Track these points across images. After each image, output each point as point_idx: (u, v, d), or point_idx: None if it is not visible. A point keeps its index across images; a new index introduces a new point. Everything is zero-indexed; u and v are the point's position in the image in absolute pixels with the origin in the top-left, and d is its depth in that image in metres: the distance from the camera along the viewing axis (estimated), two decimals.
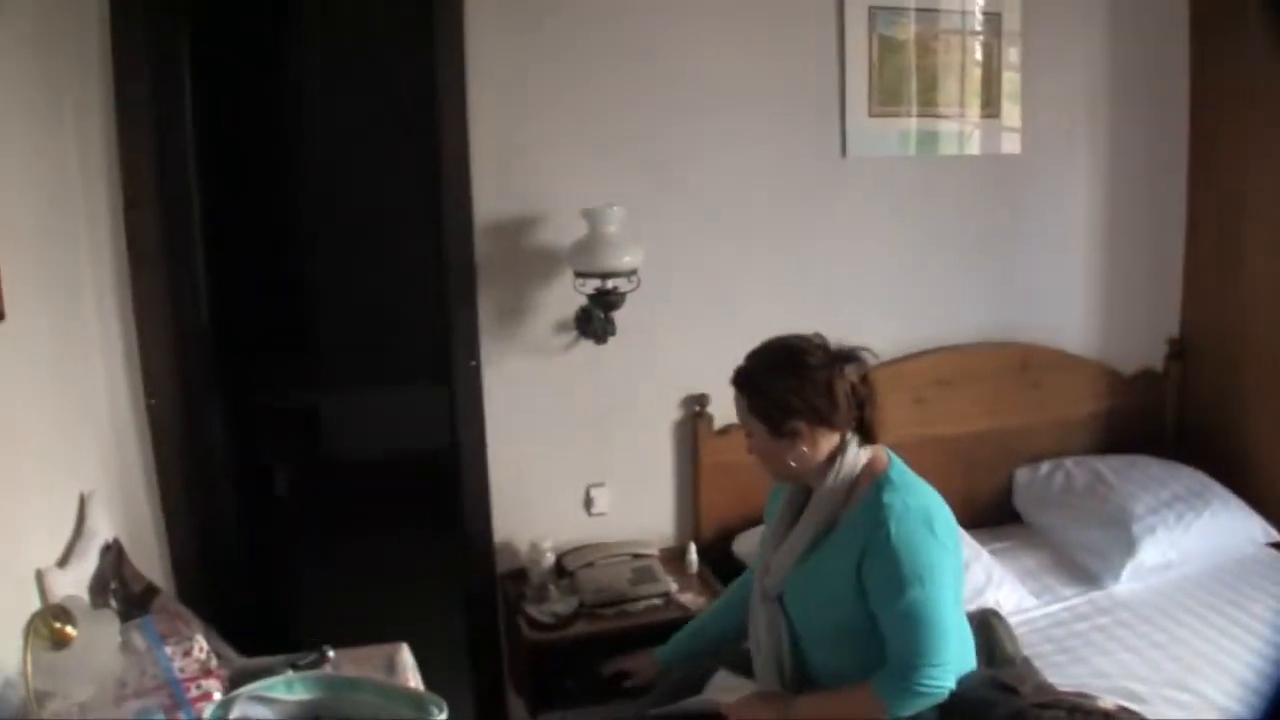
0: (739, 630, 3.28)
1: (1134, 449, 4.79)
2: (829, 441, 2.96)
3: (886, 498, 2.90)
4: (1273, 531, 4.47)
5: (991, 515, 4.54)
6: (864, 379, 3.00)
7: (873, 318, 4.17)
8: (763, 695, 3.09)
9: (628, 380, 4.07)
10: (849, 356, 2.99)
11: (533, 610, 3.76)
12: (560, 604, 3.76)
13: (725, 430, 4.08)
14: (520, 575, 4.01)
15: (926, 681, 2.85)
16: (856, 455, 2.97)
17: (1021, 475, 4.62)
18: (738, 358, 3.03)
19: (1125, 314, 4.91)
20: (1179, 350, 5.00)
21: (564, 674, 3.72)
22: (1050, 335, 4.73)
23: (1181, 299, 5.01)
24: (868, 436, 3.03)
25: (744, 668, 3.24)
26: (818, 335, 3.02)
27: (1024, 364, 4.63)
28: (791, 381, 2.92)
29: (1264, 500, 4.53)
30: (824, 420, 2.94)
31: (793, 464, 2.98)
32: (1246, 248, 4.69)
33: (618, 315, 3.84)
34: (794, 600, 3.05)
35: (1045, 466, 4.61)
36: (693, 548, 4.11)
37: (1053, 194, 4.68)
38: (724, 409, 3.88)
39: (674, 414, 4.16)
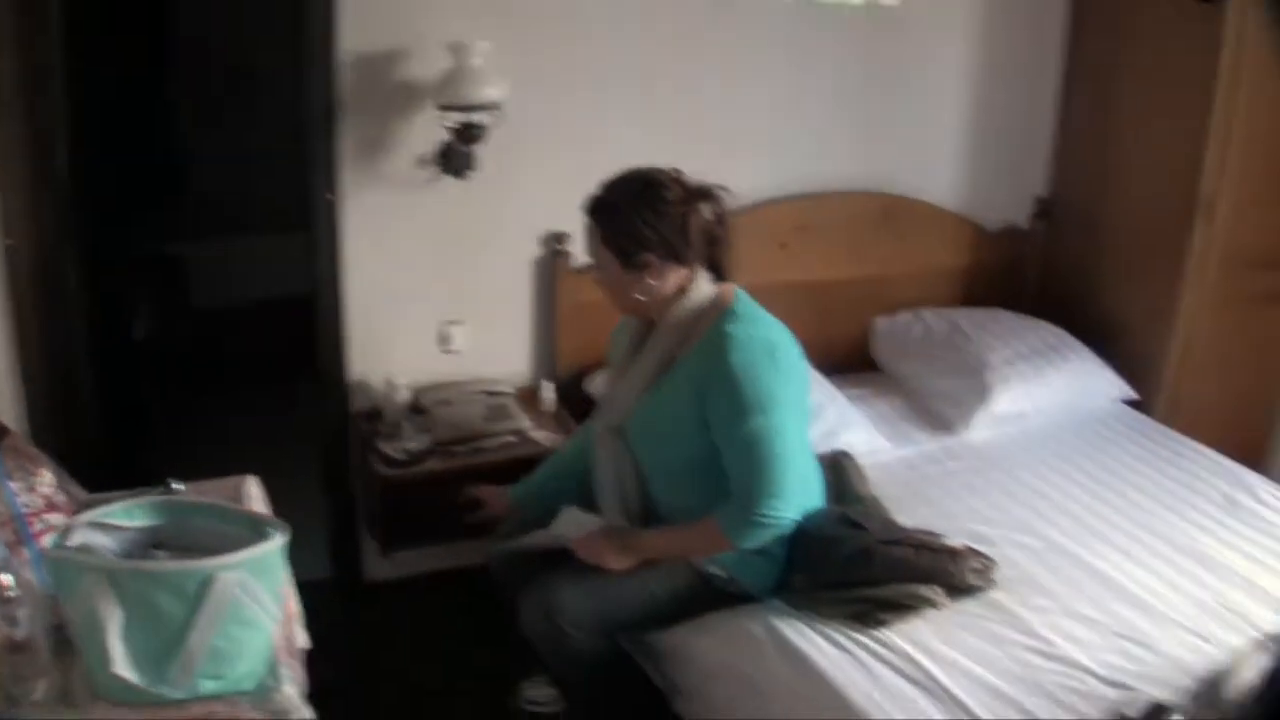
0: (591, 469, 3.28)
1: (994, 304, 4.84)
2: (677, 276, 2.96)
3: (728, 328, 2.91)
4: (1128, 389, 4.57)
5: (849, 362, 4.56)
6: (720, 218, 2.99)
7: (738, 161, 4.12)
8: (608, 531, 3.11)
9: (487, 217, 4.01)
10: (706, 193, 2.97)
11: (386, 447, 3.72)
12: (414, 441, 3.73)
13: (584, 269, 4.00)
14: (376, 414, 3.96)
15: (769, 512, 2.88)
16: (703, 291, 2.98)
17: (880, 324, 4.65)
18: None
19: (993, 170, 4.92)
20: (1045, 209, 5.04)
21: (417, 512, 3.70)
22: (917, 187, 4.73)
23: (1051, 159, 5.04)
24: (720, 275, 3.03)
25: (592, 503, 3.24)
26: (676, 170, 3.00)
27: (888, 214, 4.63)
28: (646, 214, 2.91)
29: (1121, 359, 4.62)
30: (675, 255, 2.93)
31: (640, 297, 2.98)
32: (1120, 114, 4.72)
33: (480, 151, 3.76)
34: (637, 434, 3.06)
35: (904, 316, 4.65)
36: (548, 386, 4.10)
37: (928, 47, 4.66)
38: (581, 248, 3.76)
39: (533, 251, 4.11)
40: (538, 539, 3.18)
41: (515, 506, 3.42)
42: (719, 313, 2.98)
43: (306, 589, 2.68)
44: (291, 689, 2.25)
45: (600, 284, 3.08)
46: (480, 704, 3.63)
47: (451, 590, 4.07)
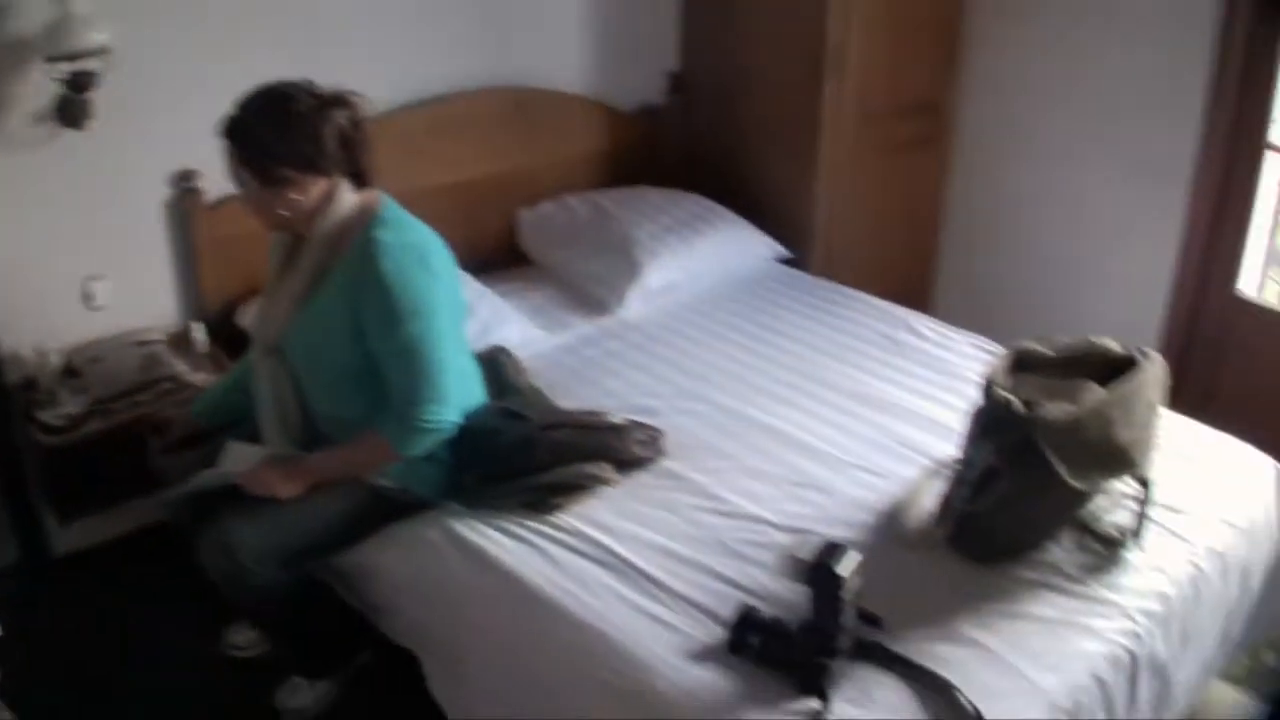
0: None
1: (639, 183, 4.76)
2: (319, 188, 2.86)
3: (377, 234, 2.84)
4: (780, 248, 4.58)
5: (498, 259, 4.41)
6: (356, 124, 2.89)
7: (361, 70, 3.83)
8: (273, 460, 3.01)
9: (113, 165, 3.69)
10: (338, 100, 2.87)
11: (44, 415, 3.47)
12: (71, 404, 3.50)
13: (219, 204, 3.79)
14: (31, 384, 3.65)
15: (430, 418, 2.85)
16: (348, 199, 2.89)
17: (525, 216, 4.51)
18: None
19: (622, 51, 4.82)
20: (679, 84, 4.98)
21: (88, 476, 3.52)
22: (547, 77, 4.58)
23: (678, 33, 4.97)
24: (362, 182, 2.94)
25: (255, 435, 3.12)
26: (306, 80, 2.88)
27: (521, 107, 4.47)
28: (278, 128, 2.79)
29: (772, 221, 4.64)
30: (312, 166, 2.83)
31: (284, 213, 2.88)
32: None
33: (97, 98, 3.47)
34: (293, 349, 2.98)
35: (547, 206, 4.52)
36: (199, 327, 3.86)
37: None
38: (215, 182, 3.63)
39: (164, 193, 3.82)
40: (204, 480, 3.02)
41: (198, 419, 3.28)
42: (366, 220, 2.89)
43: None
44: None
45: (245, 206, 2.95)
46: (189, 659, 3.48)
47: (145, 549, 3.89)
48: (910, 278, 5.18)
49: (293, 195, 2.83)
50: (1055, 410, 2.69)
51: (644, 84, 4.92)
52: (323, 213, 2.87)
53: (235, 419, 3.20)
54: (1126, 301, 4.62)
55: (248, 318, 3.82)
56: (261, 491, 2.91)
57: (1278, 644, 3.59)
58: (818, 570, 2.36)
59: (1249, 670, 3.51)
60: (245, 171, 2.83)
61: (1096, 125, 4.60)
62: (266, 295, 3.08)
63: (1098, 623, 2.65)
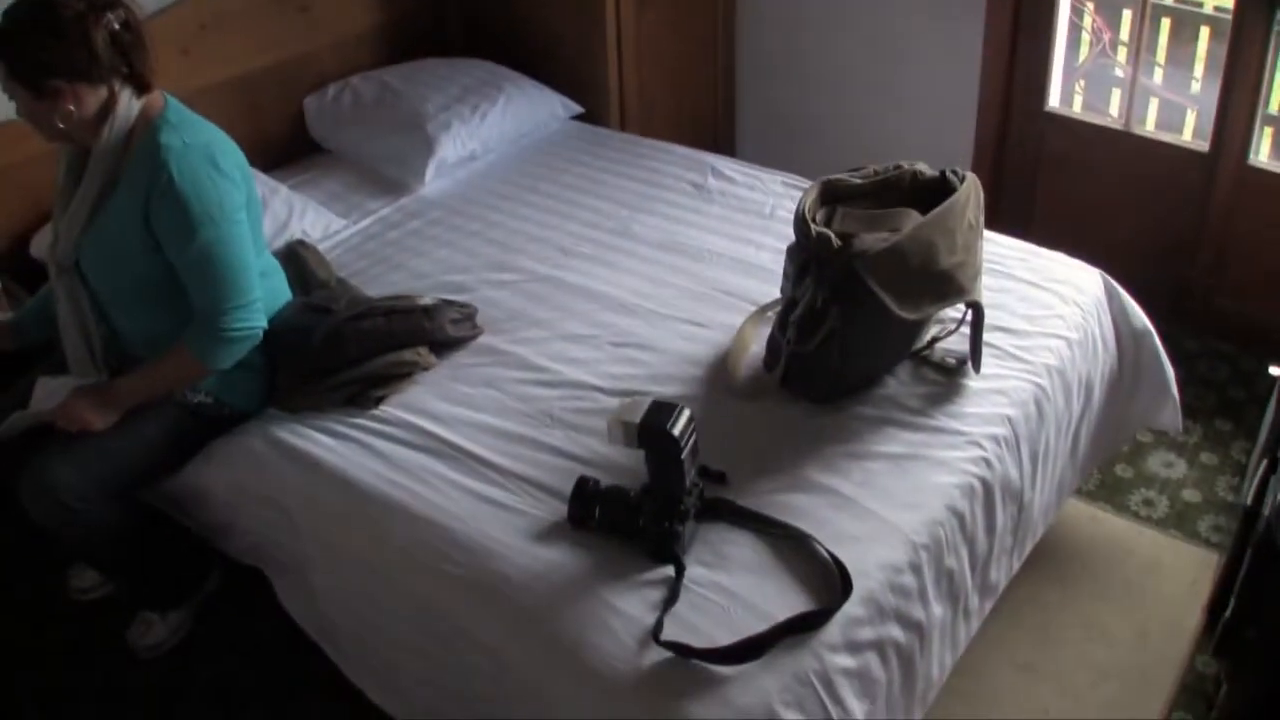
0: None
1: (423, 56, 4.60)
2: (96, 97, 2.71)
3: (164, 139, 2.72)
4: (573, 105, 4.50)
5: (289, 151, 4.25)
6: (130, 25, 2.73)
7: None
8: (82, 390, 2.89)
9: None
10: (107, 2, 2.69)
11: None
12: None
13: None
14: None
15: (236, 325, 2.77)
16: (130, 105, 2.75)
17: (310, 103, 4.33)
18: None
19: None
20: None
21: None
22: None
23: None
24: (141, 86, 2.78)
25: (63, 367, 3.00)
26: None
27: None
28: (45, 38, 2.62)
29: (562, 79, 4.54)
30: (84, 75, 2.67)
31: (61, 125, 2.72)
32: None
33: None
34: (90, 266, 2.87)
35: (332, 89, 4.34)
36: None
37: None
38: None
39: None
40: (16, 423, 2.90)
41: (18, 332, 3.14)
42: (150, 124, 2.75)
43: None
44: None
45: (22, 117, 2.78)
46: (35, 610, 3.39)
47: None
48: (710, 122, 5.11)
49: (68, 107, 2.68)
50: (874, 240, 2.67)
51: None
52: (106, 121, 2.73)
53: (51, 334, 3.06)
54: (934, 124, 4.62)
55: (38, 245, 3.64)
56: (74, 426, 2.80)
57: (1129, 457, 3.69)
58: (649, 431, 2.32)
59: (1101, 484, 3.60)
60: (15, 84, 2.68)
61: None
62: (56, 212, 2.93)
63: (946, 454, 2.67)
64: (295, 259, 3.32)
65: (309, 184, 4.00)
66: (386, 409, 2.89)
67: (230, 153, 2.84)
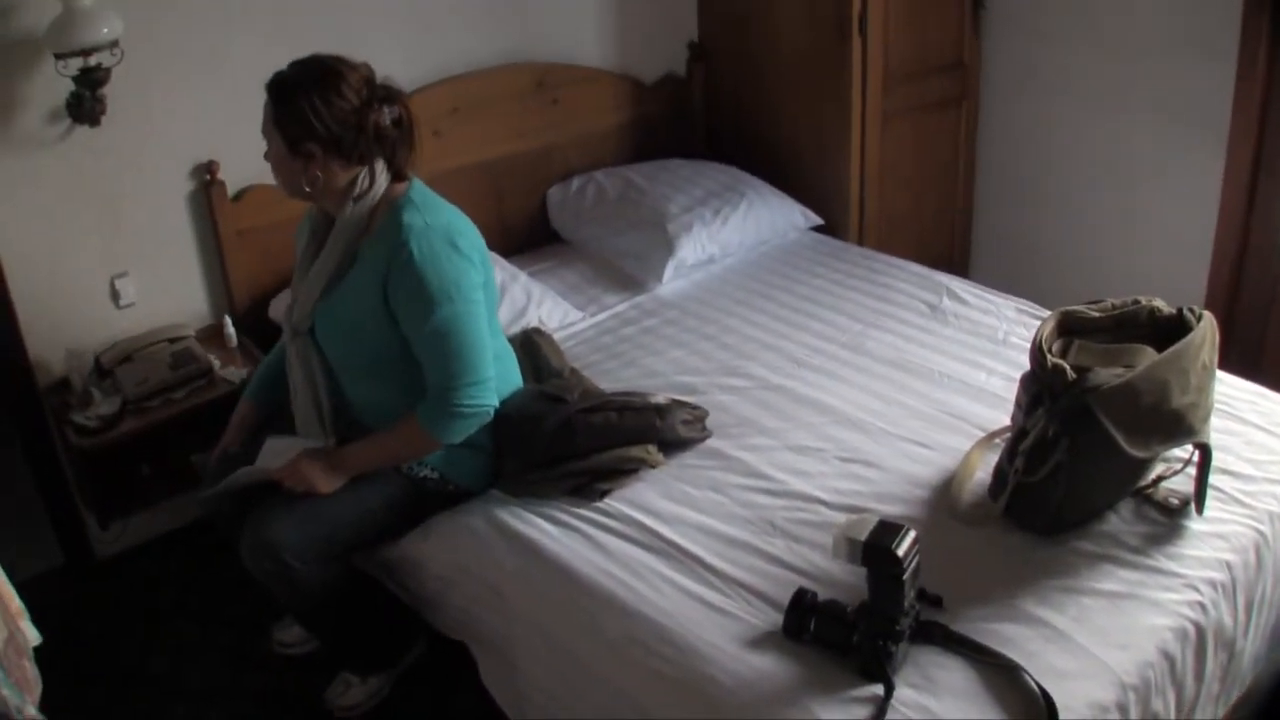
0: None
1: (666, 156, 4.71)
2: (347, 174, 2.83)
3: (406, 218, 2.80)
4: (813, 216, 4.53)
5: (529, 239, 4.39)
6: (399, 121, 2.85)
7: (379, 51, 3.79)
8: (310, 452, 2.95)
9: (131, 160, 3.64)
10: (389, 94, 2.84)
11: (77, 417, 3.45)
12: (104, 405, 3.47)
13: (241, 195, 3.76)
14: (64, 386, 3.64)
15: (468, 402, 2.80)
16: (378, 183, 2.84)
17: (554, 194, 4.46)
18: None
19: (643, 22, 4.76)
20: (701, 53, 4.91)
21: (126, 476, 3.51)
22: (566, 51, 4.52)
23: (698, 2, 4.90)
24: (399, 176, 2.90)
25: (291, 428, 3.08)
26: (367, 66, 2.85)
27: (543, 83, 4.41)
28: (318, 102, 2.75)
29: (802, 188, 4.58)
30: (341, 151, 2.79)
31: (306, 187, 2.83)
32: None
33: (109, 93, 3.42)
34: (324, 333, 2.95)
35: (576, 182, 4.47)
36: (228, 321, 3.83)
37: None
38: (236, 173, 3.67)
39: (185, 187, 3.76)
40: (241, 478, 2.97)
41: (256, 406, 3.24)
42: (393, 202, 2.85)
43: (39, 582, 2.96)
44: (8, 690, 2.03)
45: (269, 160, 2.88)
46: (238, 657, 3.47)
47: (188, 547, 3.91)
48: (946, 242, 5.11)
49: (316, 172, 2.79)
50: (1109, 376, 2.62)
51: (666, 54, 4.86)
52: (352, 195, 2.83)
53: (282, 396, 3.16)
54: (1169, 257, 4.53)
55: (276, 307, 3.81)
56: (300, 487, 2.87)
57: None
58: (874, 550, 2.30)
59: None
60: (275, 132, 2.79)
61: (1128, 71, 4.49)
62: (296, 277, 3.03)
63: (1162, 595, 2.59)
64: (530, 346, 3.39)
65: (547, 273, 4.09)
66: (610, 503, 2.91)
67: (469, 234, 2.90)
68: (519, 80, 4.35)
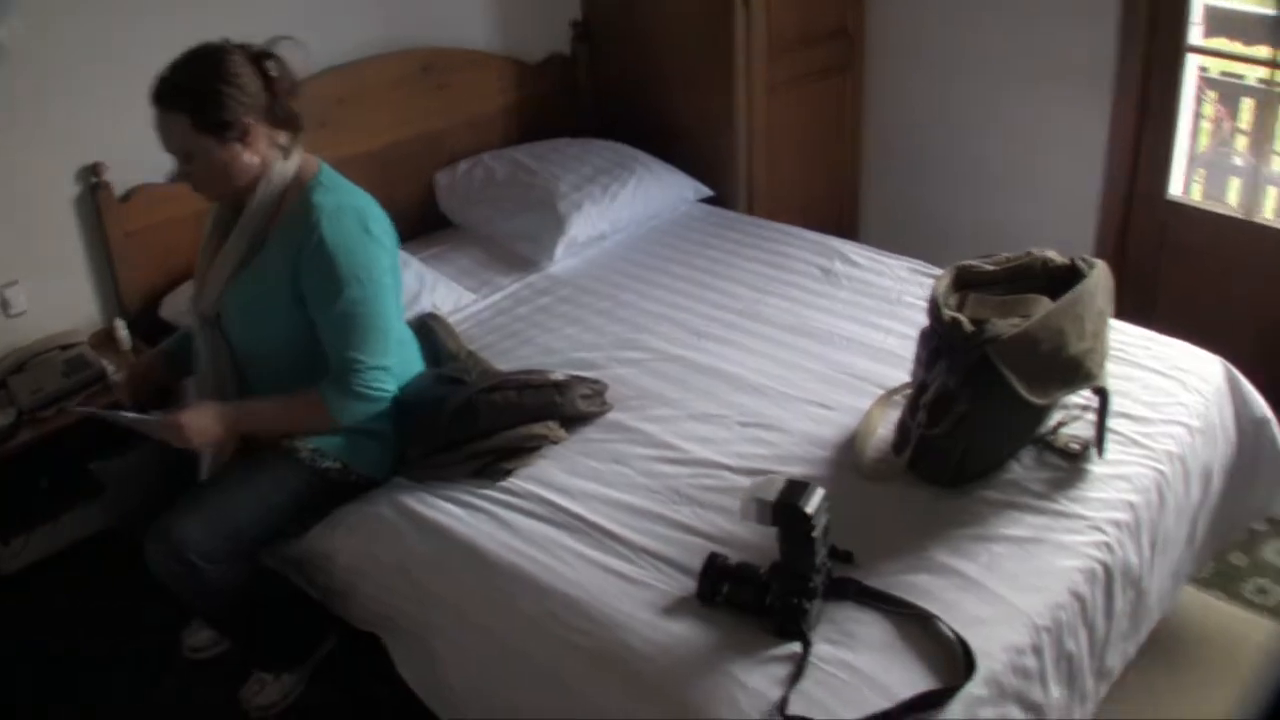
0: None
1: (554, 135, 4.69)
2: (270, 140, 2.82)
3: (317, 199, 2.81)
4: (702, 188, 4.54)
5: (420, 225, 4.32)
6: (284, 72, 2.88)
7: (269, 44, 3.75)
8: (208, 405, 2.90)
9: (16, 164, 3.56)
10: (264, 53, 2.85)
11: None
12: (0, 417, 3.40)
13: (129, 195, 3.70)
14: None
15: (371, 384, 2.83)
16: (285, 165, 2.85)
17: (442, 178, 4.42)
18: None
19: (525, 3, 4.73)
20: (584, 31, 4.90)
21: (25, 489, 3.50)
22: (451, 34, 4.48)
23: None
24: (294, 128, 2.90)
25: None
26: (225, 39, 2.83)
27: (427, 68, 4.37)
28: (223, 82, 2.74)
29: (691, 160, 4.59)
30: (268, 113, 2.81)
31: (237, 175, 2.81)
32: None
33: None
34: (231, 322, 2.94)
35: (464, 165, 4.44)
36: (120, 324, 3.75)
37: None
38: (123, 173, 3.62)
39: (72, 190, 3.68)
40: (123, 419, 2.89)
41: (165, 365, 3.24)
42: (303, 185, 2.85)
43: None
44: None
45: (193, 177, 2.84)
46: (150, 666, 3.41)
47: (93, 559, 3.82)
48: (836, 207, 5.16)
49: (248, 154, 2.78)
50: (1006, 326, 2.66)
51: (549, 34, 4.84)
52: (263, 179, 2.82)
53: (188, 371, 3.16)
54: (1057, 211, 4.61)
55: (168, 307, 3.77)
56: (180, 438, 2.80)
57: (1245, 545, 3.62)
58: (784, 509, 2.31)
59: (1216, 573, 3.53)
60: (200, 136, 2.74)
61: (1011, 34, 4.56)
62: (200, 266, 3.00)
63: (1069, 538, 2.64)
64: (426, 330, 3.37)
65: (439, 258, 4.06)
66: (515, 481, 2.90)
67: (380, 219, 2.91)
68: (405, 67, 4.32)
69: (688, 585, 2.50)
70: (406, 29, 4.34)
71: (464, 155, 4.50)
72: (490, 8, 4.61)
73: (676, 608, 2.47)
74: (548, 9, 4.82)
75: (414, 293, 3.68)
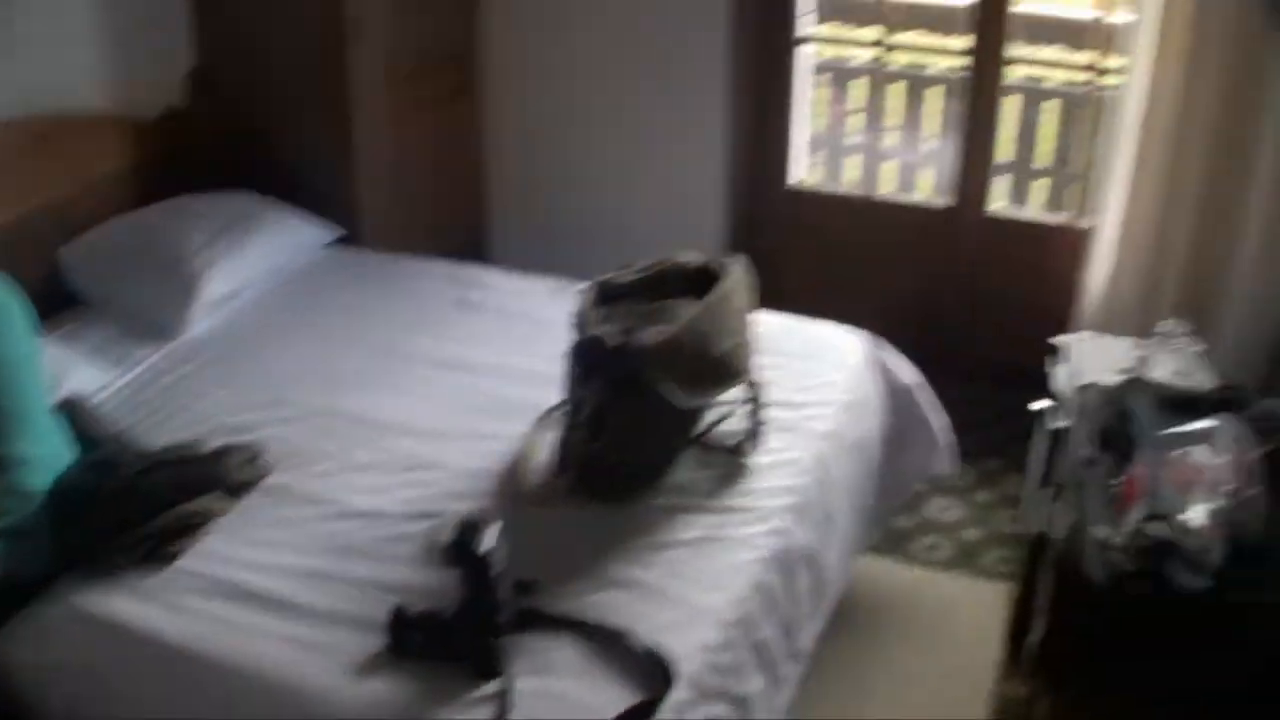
0: None
1: (181, 192, 4.49)
2: None
3: None
4: (330, 229, 4.49)
5: (53, 306, 4.00)
6: None
7: None
8: None
9: None
10: None
11: None
12: None
13: None
14: None
15: (19, 481, 2.76)
16: None
17: (67, 254, 4.17)
18: None
19: (135, 58, 4.54)
20: (202, 81, 4.76)
21: None
22: (59, 101, 4.24)
23: (193, 29, 4.75)
24: None
25: None
26: None
27: (40, 138, 4.09)
28: None
29: (321, 201, 4.54)
30: None
31: None
32: None
33: None
34: None
35: (91, 235, 4.21)
36: None
37: None
38: None
39: None
40: None
41: None
42: None
43: None
44: None
45: None
46: None
47: None
48: (468, 233, 5.22)
49: None
50: (651, 335, 2.78)
51: (165, 88, 4.67)
52: None
53: None
54: (691, 208, 4.80)
55: None
56: None
57: (908, 506, 3.83)
58: (459, 550, 2.38)
59: (886, 537, 3.74)
60: None
61: (622, 38, 4.74)
62: None
63: (742, 531, 2.80)
64: (71, 417, 3.22)
65: (71, 337, 3.84)
66: (184, 562, 2.83)
67: (13, 306, 2.86)
68: (14, 137, 4.04)
69: (377, 642, 2.51)
70: (14, 96, 4.07)
71: (95, 224, 4.27)
72: (100, 66, 4.42)
73: (370, 666, 2.48)
74: (160, 61, 4.66)
75: (51, 379, 3.40)
